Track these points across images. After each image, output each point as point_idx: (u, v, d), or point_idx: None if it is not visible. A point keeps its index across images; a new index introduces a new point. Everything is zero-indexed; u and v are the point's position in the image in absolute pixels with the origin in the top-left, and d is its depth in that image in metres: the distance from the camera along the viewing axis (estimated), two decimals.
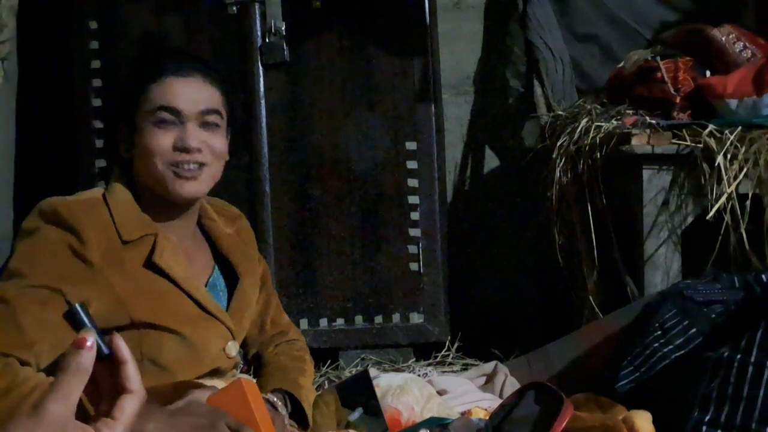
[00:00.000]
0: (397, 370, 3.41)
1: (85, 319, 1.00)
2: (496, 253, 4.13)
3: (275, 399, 2.18)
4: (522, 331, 3.72)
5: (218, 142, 2.11)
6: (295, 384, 2.26)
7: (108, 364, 0.97)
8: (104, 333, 0.99)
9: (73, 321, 0.99)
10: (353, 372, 3.42)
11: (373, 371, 2.94)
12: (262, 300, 2.41)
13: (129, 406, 0.98)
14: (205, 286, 2.18)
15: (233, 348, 2.17)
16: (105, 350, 0.95)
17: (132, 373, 0.95)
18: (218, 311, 2.14)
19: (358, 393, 2.66)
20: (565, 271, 3.58)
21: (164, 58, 2.13)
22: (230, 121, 2.18)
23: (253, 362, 2.44)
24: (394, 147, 3.64)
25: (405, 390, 2.79)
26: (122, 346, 0.90)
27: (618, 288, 3.34)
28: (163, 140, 2.05)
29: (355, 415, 2.60)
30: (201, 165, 2.07)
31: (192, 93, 2.08)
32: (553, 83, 3.90)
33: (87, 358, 0.94)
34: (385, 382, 2.84)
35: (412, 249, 3.66)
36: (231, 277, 2.26)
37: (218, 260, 2.25)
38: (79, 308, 1.00)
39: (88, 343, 0.94)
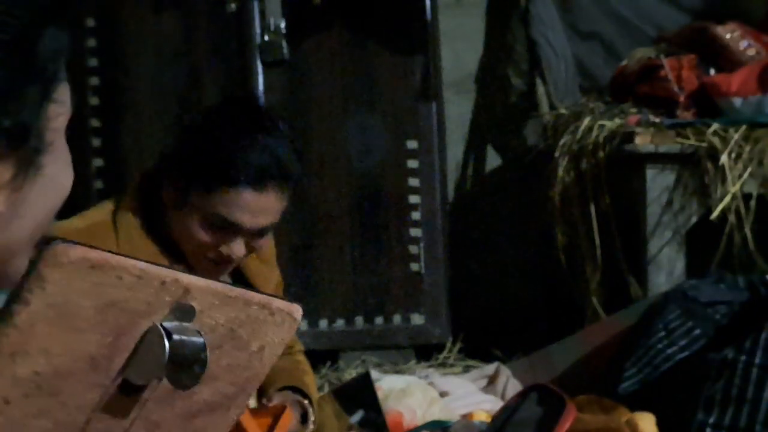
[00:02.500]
0: (398, 372, 3.40)
1: None
2: (498, 253, 4.12)
3: (309, 410, 2.15)
4: (524, 332, 3.70)
5: (264, 242, 2.02)
6: (302, 383, 2.24)
7: None
8: None
9: None
10: (353, 374, 3.40)
11: (374, 373, 2.93)
12: None
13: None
14: None
15: None
16: None
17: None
18: None
19: (360, 395, 2.65)
20: (568, 272, 3.57)
21: (244, 156, 1.92)
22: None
23: None
24: (394, 146, 3.63)
25: (407, 393, 2.78)
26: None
27: (621, 289, 3.33)
28: (210, 239, 1.93)
29: (357, 417, 2.59)
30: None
31: (261, 211, 1.94)
32: (556, 81, 3.89)
33: None
34: (387, 384, 2.83)
35: (413, 249, 3.65)
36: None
37: (237, 278, 2.18)
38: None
39: None
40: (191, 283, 0.67)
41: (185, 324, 0.66)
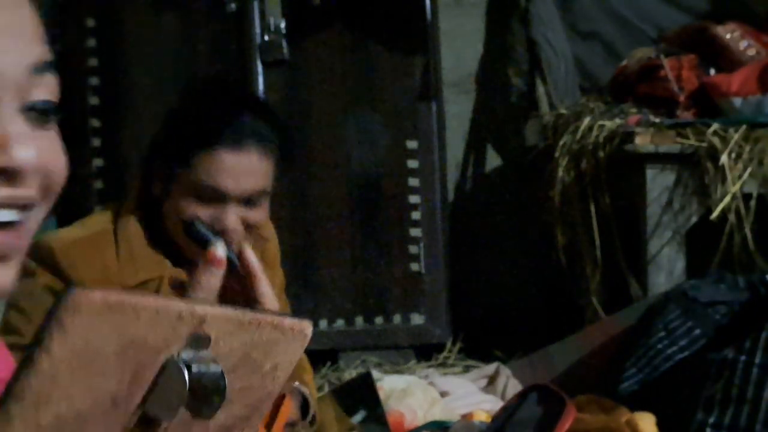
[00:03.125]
0: (398, 372, 3.39)
1: (209, 233, 0.89)
2: (498, 253, 4.12)
3: (310, 399, 2.15)
4: (524, 332, 3.70)
5: (258, 216, 1.96)
6: (301, 380, 2.24)
7: (236, 278, 0.87)
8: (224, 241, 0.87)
9: (196, 236, 0.89)
10: (353, 374, 3.40)
11: (374, 373, 2.92)
12: None
13: None
14: None
15: None
16: (236, 262, 0.84)
17: (265, 290, 0.83)
18: None
19: (361, 395, 2.65)
20: (568, 272, 3.56)
21: (218, 120, 1.92)
22: (277, 181, 2.04)
23: None
24: (394, 146, 3.63)
25: (408, 393, 2.78)
26: (253, 259, 0.78)
27: (621, 289, 3.33)
28: (197, 213, 1.89)
29: (359, 417, 2.59)
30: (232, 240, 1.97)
31: (242, 172, 1.91)
32: (556, 81, 3.88)
33: (217, 275, 0.85)
34: (388, 384, 2.83)
35: (413, 249, 3.65)
36: None
37: None
38: (198, 225, 0.89)
39: (219, 256, 0.83)
40: (207, 313, 0.67)
41: (202, 353, 0.66)
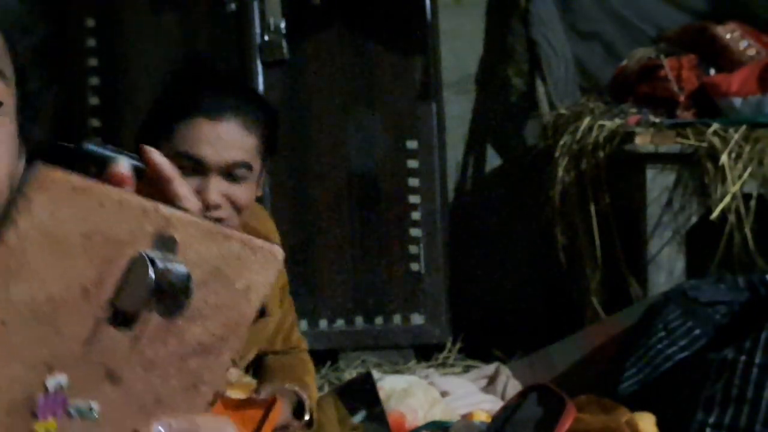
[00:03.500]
0: (398, 372, 3.39)
1: (105, 151, 0.88)
2: (498, 253, 4.12)
3: (305, 402, 2.15)
4: (524, 332, 3.70)
5: (243, 194, 1.93)
6: (301, 381, 2.24)
7: (149, 188, 0.83)
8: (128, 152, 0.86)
9: (90, 158, 0.88)
10: (353, 374, 3.40)
11: (374, 373, 2.93)
12: (278, 319, 2.35)
13: None
14: None
15: (234, 374, 2.14)
16: (144, 168, 0.81)
17: (185, 191, 0.76)
18: None
19: (361, 395, 2.65)
20: (568, 272, 3.57)
21: (199, 93, 1.92)
22: (264, 165, 2.01)
23: (255, 364, 2.42)
24: (394, 146, 3.63)
25: (409, 393, 2.78)
26: (162, 161, 0.74)
27: (621, 289, 3.33)
28: None
29: (359, 417, 2.59)
30: (218, 220, 1.94)
31: (221, 141, 1.90)
32: (556, 81, 3.88)
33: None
34: (388, 385, 2.83)
35: (413, 249, 3.65)
36: None
37: None
38: (90, 145, 0.89)
39: (123, 172, 0.73)
40: (172, 215, 0.69)
41: (169, 255, 0.68)
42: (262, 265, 0.72)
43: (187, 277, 0.68)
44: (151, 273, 0.66)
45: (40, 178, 0.65)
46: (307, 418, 2.18)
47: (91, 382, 0.68)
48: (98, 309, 0.68)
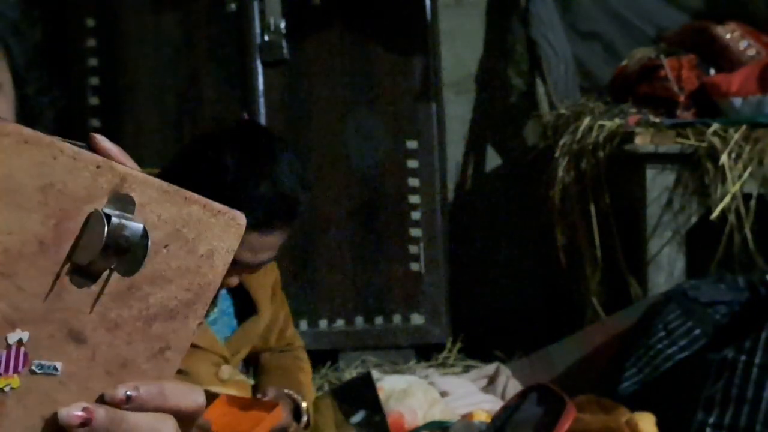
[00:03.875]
0: (398, 372, 3.39)
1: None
2: (498, 253, 4.12)
3: (301, 405, 2.15)
4: (524, 332, 3.70)
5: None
6: (298, 382, 2.24)
7: None
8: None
9: None
10: (353, 374, 3.40)
11: (374, 373, 2.93)
12: (270, 315, 2.35)
13: None
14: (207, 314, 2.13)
15: (226, 371, 2.15)
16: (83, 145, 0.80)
17: (125, 163, 0.74)
18: (209, 344, 2.11)
19: (361, 395, 2.65)
20: (568, 272, 3.56)
21: (255, 205, 1.85)
22: None
23: (251, 363, 2.42)
24: (394, 146, 3.63)
25: (409, 393, 2.78)
26: (112, 147, 0.74)
27: (621, 289, 3.33)
28: None
29: (358, 417, 2.58)
30: None
31: (263, 249, 1.91)
32: (556, 81, 3.88)
33: None
34: (388, 385, 2.83)
35: (413, 249, 3.64)
36: (243, 295, 2.22)
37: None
38: None
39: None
40: (127, 173, 0.68)
41: (126, 214, 0.68)
42: (223, 230, 0.72)
43: (143, 233, 0.68)
44: (106, 228, 0.66)
45: None
46: (305, 419, 2.19)
47: (55, 340, 0.68)
48: (56, 265, 0.67)
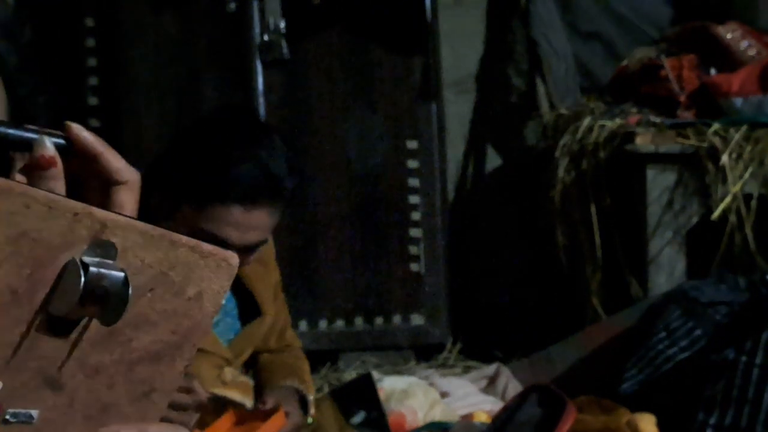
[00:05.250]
0: (398, 373, 3.39)
1: (25, 133, 0.74)
2: (498, 253, 4.11)
3: (308, 398, 2.15)
4: (524, 333, 3.70)
5: (252, 258, 1.99)
6: (302, 371, 2.25)
7: (81, 161, 0.75)
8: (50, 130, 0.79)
9: (10, 144, 0.75)
10: (353, 374, 3.40)
11: (374, 374, 2.92)
12: (273, 317, 2.35)
13: (126, 198, 0.74)
14: None
15: (229, 373, 2.15)
16: (70, 147, 0.73)
17: (116, 163, 0.72)
18: (212, 346, 2.11)
19: (362, 396, 2.65)
20: (568, 272, 3.56)
21: (237, 178, 1.88)
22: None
23: (250, 364, 2.42)
24: (394, 146, 3.63)
25: (409, 394, 2.78)
26: (87, 136, 0.70)
27: (621, 289, 3.32)
28: None
29: (359, 418, 2.59)
30: None
31: (250, 227, 1.91)
32: (556, 81, 3.88)
33: (58, 179, 0.70)
34: (388, 385, 2.83)
35: (413, 249, 3.64)
36: (247, 297, 2.22)
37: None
38: (4, 129, 0.76)
39: (49, 153, 0.69)
40: (108, 218, 0.66)
41: (107, 261, 0.65)
42: (213, 271, 0.70)
43: (123, 283, 0.65)
44: (82, 278, 0.64)
45: None
46: (312, 412, 2.20)
47: (29, 388, 0.66)
48: (30, 314, 0.65)
